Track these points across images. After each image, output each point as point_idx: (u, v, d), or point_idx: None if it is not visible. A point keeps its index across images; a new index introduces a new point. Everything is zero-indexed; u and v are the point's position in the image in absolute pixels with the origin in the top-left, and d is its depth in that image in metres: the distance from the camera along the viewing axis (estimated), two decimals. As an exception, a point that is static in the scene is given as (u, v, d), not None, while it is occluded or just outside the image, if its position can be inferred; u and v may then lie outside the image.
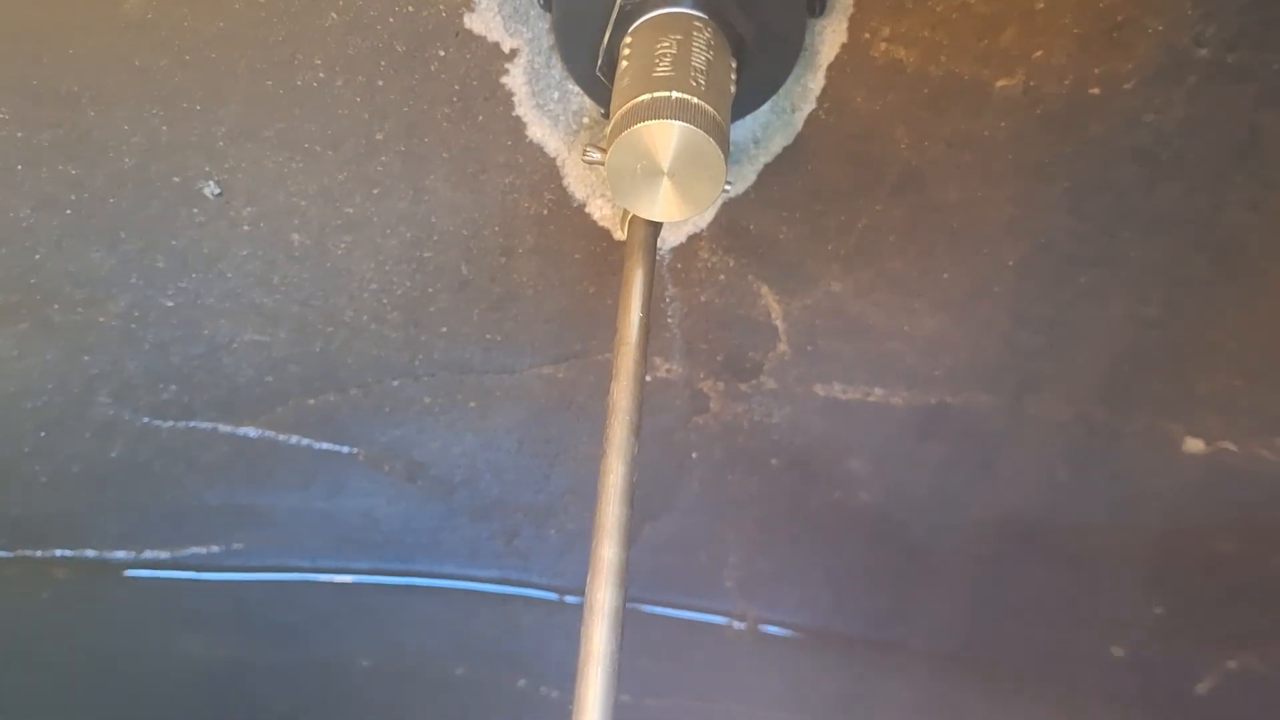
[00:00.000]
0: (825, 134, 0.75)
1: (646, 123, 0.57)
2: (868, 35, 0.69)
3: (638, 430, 0.55)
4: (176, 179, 0.78)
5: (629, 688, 1.23)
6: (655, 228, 0.68)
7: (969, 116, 0.72)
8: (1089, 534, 1.02)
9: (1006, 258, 0.81)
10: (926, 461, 0.98)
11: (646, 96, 0.58)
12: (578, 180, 0.79)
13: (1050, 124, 0.72)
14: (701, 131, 0.57)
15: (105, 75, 0.72)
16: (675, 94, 0.58)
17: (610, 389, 0.58)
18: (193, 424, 0.96)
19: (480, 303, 0.88)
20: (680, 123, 0.57)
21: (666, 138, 0.58)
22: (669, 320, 0.89)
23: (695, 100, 0.58)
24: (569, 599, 1.20)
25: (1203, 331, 0.84)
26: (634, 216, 0.67)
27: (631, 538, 0.53)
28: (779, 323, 0.89)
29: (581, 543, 1.11)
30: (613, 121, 0.60)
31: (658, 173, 0.59)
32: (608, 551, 0.49)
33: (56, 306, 0.85)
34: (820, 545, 1.09)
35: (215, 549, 1.09)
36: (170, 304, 0.86)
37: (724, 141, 0.59)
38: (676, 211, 0.61)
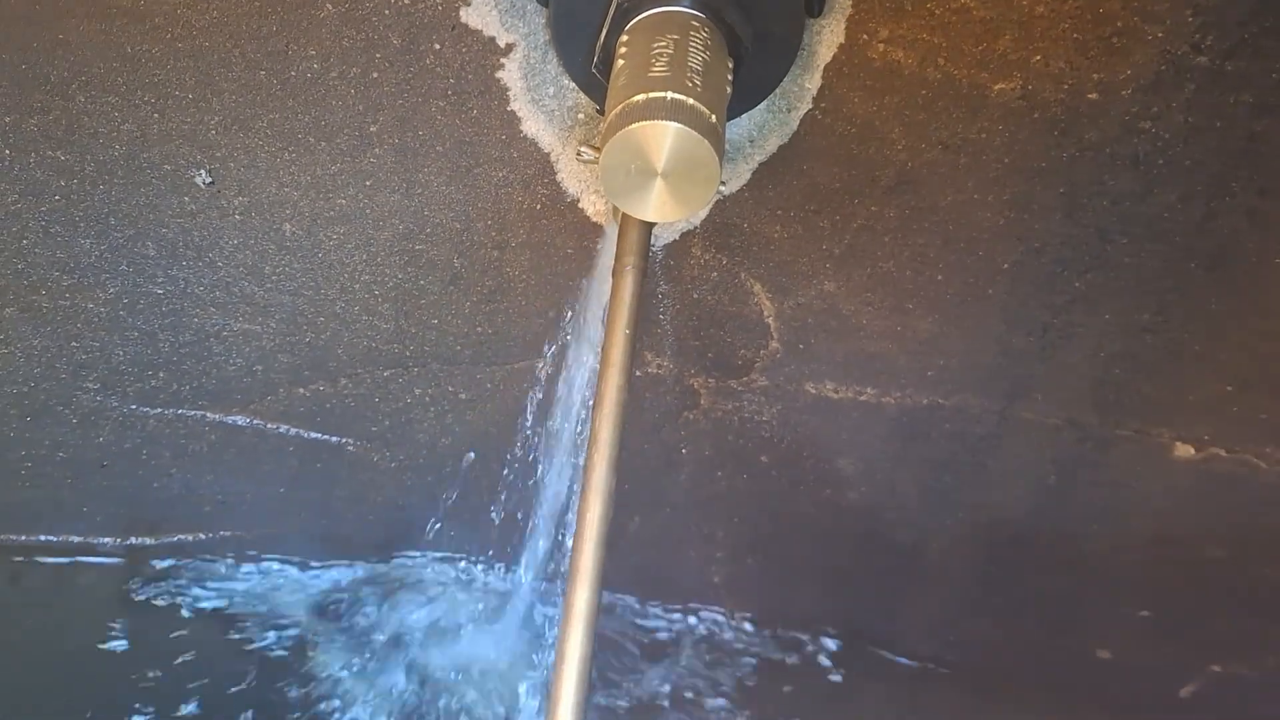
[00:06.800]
0: (821, 134, 0.74)
1: (641, 123, 0.57)
2: (865, 37, 0.69)
3: (618, 466, 0.54)
4: (167, 167, 0.77)
5: (610, 687, 1.23)
6: (646, 232, 0.67)
7: (965, 120, 0.72)
8: (1077, 538, 1.02)
9: (1001, 261, 0.81)
10: (916, 462, 0.98)
11: (642, 97, 0.58)
12: (571, 175, 0.79)
13: (1047, 129, 0.72)
14: (696, 133, 0.57)
15: (96, 62, 0.71)
16: (671, 95, 0.57)
17: (592, 417, 0.57)
18: (181, 411, 0.95)
19: (471, 295, 0.87)
20: (675, 124, 0.56)
21: (661, 139, 0.57)
22: (660, 316, 0.89)
23: (691, 101, 0.57)
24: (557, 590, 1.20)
25: (1195, 338, 0.84)
26: (626, 220, 0.66)
27: (609, 562, 0.51)
28: (771, 321, 0.88)
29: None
30: (607, 120, 0.59)
31: (651, 173, 0.59)
32: (581, 598, 0.48)
33: (44, 293, 0.84)
34: (808, 544, 1.09)
35: (202, 537, 1.08)
36: (160, 292, 0.85)
37: (719, 144, 0.58)
38: (670, 212, 0.61)
